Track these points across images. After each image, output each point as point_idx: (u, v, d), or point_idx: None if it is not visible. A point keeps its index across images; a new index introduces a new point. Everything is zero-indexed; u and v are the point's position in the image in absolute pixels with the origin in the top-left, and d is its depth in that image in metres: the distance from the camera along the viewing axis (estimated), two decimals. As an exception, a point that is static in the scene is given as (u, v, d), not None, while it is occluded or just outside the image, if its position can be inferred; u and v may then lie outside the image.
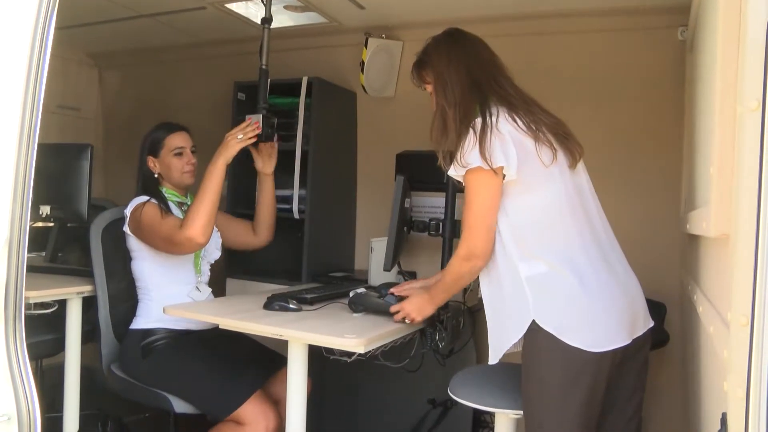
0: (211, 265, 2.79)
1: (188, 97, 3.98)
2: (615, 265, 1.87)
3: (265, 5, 2.73)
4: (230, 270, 3.35)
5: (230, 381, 2.36)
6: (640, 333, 1.84)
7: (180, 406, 2.42)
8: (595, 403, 1.76)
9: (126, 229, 2.57)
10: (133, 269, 2.64)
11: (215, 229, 2.67)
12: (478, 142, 1.79)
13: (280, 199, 3.18)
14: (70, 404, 2.69)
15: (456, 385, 2.17)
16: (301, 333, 1.93)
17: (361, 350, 1.84)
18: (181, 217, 2.58)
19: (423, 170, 2.73)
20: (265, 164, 2.76)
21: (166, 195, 2.66)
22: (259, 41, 2.70)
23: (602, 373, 1.74)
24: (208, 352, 2.50)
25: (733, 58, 1.17)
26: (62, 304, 2.64)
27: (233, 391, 2.33)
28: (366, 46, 3.31)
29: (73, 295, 2.65)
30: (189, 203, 2.71)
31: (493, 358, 1.90)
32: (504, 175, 1.81)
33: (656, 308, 2.49)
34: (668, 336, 2.65)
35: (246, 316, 2.11)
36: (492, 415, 2.29)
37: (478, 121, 1.84)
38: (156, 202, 2.54)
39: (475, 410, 2.50)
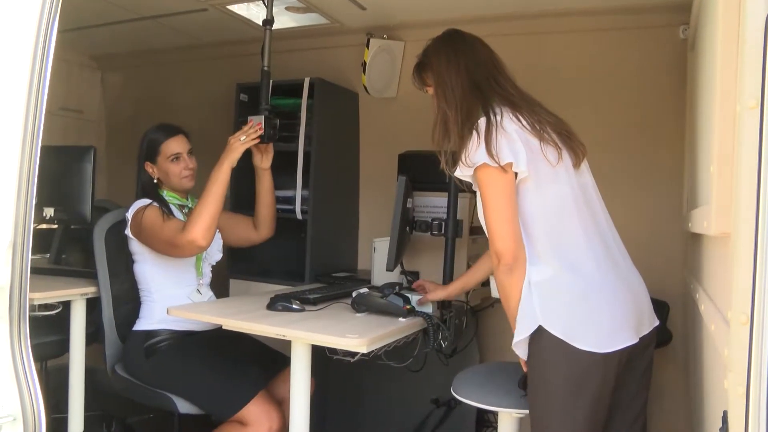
0: (213, 267, 2.79)
1: (190, 99, 3.99)
2: (621, 264, 1.86)
3: (266, 6, 2.73)
4: (233, 270, 3.36)
5: (234, 381, 2.37)
6: (646, 332, 1.83)
7: (184, 406, 2.43)
8: (602, 405, 1.75)
9: (128, 232, 2.57)
10: (135, 272, 2.65)
11: (217, 231, 2.68)
12: (483, 141, 1.77)
13: (282, 200, 3.19)
14: (75, 405, 2.70)
15: (459, 385, 2.17)
16: (305, 333, 1.94)
17: (363, 350, 1.84)
18: (183, 219, 2.59)
19: (425, 170, 2.72)
20: (263, 159, 2.76)
21: (166, 198, 2.66)
22: (260, 42, 2.71)
23: (610, 373, 1.73)
24: (212, 352, 2.50)
25: (732, 57, 1.17)
26: (66, 305, 2.64)
27: (237, 392, 2.34)
28: (367, 46, 3.32)
29: (76, 296, 2.66)
30: (190, 206, 2.72)
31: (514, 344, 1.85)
32: (516, 174, 1.78)
33: (659, 307, 2.48)
34: (671, 335, 2.65)
35: (249, 317, 2.11)
36: (495, 414, 2.30)
37: (482, 120, 1.82)
38: (157, 206, 2.54)
39: (479, 409, 2.51)
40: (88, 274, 2.73)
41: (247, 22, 3.40)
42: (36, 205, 1.22)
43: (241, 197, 3.18)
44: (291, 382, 1.99)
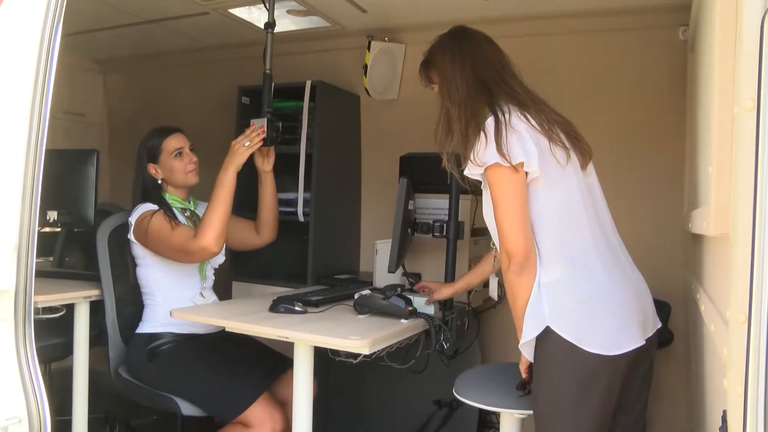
0: (216, 269, 2.81)
1: (192, 102, 4.00)
2: (625, 266, 1.86)
3: (268, 10, 2.74)
4: (236, 273, 3.36)
5: (237, 383, 2.38)
6: (650, 333, 1.83)
7: (187, 408, 2.43)
8: (608, 407, 1.74)
9: (131, 237, 2.58)
10: (138, 275, 2.66)
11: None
12: (494, 140, 1.75)
13: (284, 203, 3.19)
14: (79, 407, 2.70)
15: (461, 386, 2.17)
16: (307, 335, 1.94)
17: (366, 351, 1.85)
18: (185, 223, 2.60)
19: (426, 172, 2.73)
20: (264, 162, 2.77)
21: (169, 201, 2.66)
22: (262, 45, 2.72)
23: (617, 375, 1.72)
24: (215, 355, 2.51)
25: (730, 58, 1.18)
26: (70, 308, 2.65)
27: (240, 394, 2.35)
28: (369, 49, 3.33)
29: (80, 299, 2.67)
30: (191, 208, 2.73)
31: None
32: (527, 174, 1.77)
33: (661, 308, 2.49)
34: (672, 335, 2.65)
35: (252, 319, 2.12)
36: (497, 415, 2.30)
37: (491, 119, 1.80)
38: (163, 212, 2.54)
39: (481, 410, 2.51)
40: (92, 277, 2.73)
41: (248, 26, 3.41)
42: (40, 208, 1.23)
43: (242, 200, 3.18)
44: (294, 383, 2.00)
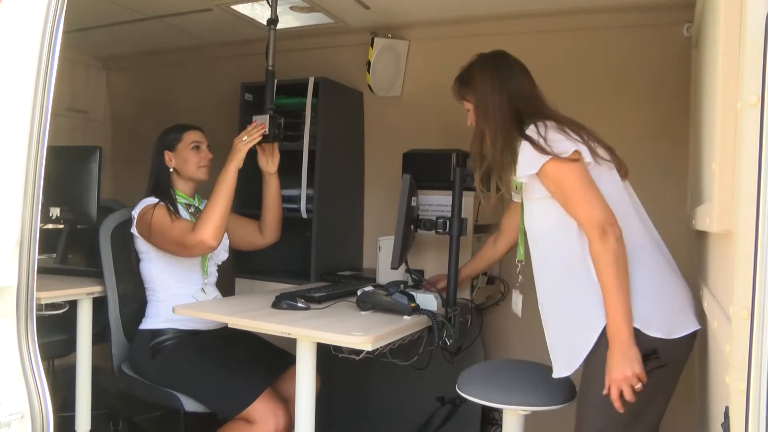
0: (219, 266, 2.81)
1: (195, 99, 4.00)
2: (672, 261, 1.90)
3: (271, 6, 2.74)
4: (239, 269, 3.37)
5: (239, 380, 2.38)
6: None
7: (190, 404, 2.44)
8: (666, 395, 1.83)
9: (134, 230, 2.59)
10: (141, 270, 2.66)
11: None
12: (541, 142, 1.81)
13: (287, 199, 3.19)
14: (82, 403, 2.71)
15: (464, 382, 2.18)
16: (310, 331, 1.95)
17: (369, 348, 1.85)
18: (188, 219, 2.60)
19: (429, 169, 2.74)
20: (269, 163, 2.77)
21: (175, 196, 2.67)
22: (265, 42, 2.72)
23: (681, 361, 1.79)
24: (218, 351, 2.52)
25: (733, 54, 1.18)
26: (73, 305, 2.66)
27: (243, 390, 2.35)
28: (372, 45, 3.32)
29: (83, 295, 2.67)
30: (197, 205, 2.73)
31: (565, 370, 1.84)
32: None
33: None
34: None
35: (255, 315, 2.12)
36: (500, 411, 2.30)
37: (531, 127, 1.85)
38: (164, 205, 2.55)
39: (484, 407, 2.51)
40: (95, 274, 2.74)
41: (251, 22, 3.40)
42: (42, 205, 1.23)
43: (246, 200, 3.19)
44: (296, 380, 2.00)
